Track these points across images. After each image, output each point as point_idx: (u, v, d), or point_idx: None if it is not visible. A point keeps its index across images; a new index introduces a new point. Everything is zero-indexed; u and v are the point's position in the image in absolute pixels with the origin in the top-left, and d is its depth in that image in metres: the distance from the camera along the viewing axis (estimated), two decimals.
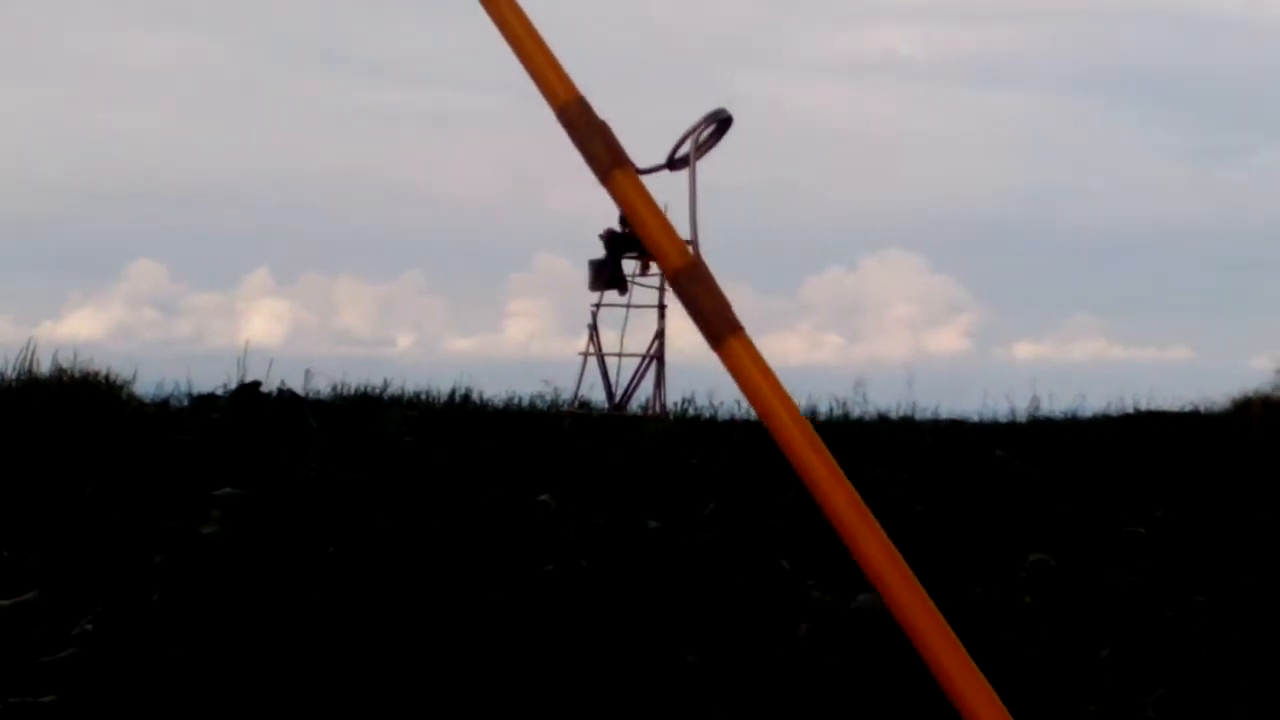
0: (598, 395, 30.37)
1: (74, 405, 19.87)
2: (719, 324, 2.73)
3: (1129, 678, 8.99)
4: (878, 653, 9.37)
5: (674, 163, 2.88)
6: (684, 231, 3.01)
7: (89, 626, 8.09)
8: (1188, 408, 29.41)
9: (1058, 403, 30.11)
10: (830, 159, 67.11)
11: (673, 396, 29.92)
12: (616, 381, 30.11)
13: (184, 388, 23.12)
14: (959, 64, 69.02)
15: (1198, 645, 9.26)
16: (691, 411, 28.76)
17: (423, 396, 27.09)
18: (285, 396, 19.39)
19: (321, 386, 25.39)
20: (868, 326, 57.55)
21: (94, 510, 11.39)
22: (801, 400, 29.44)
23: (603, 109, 2.99)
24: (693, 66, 66.02)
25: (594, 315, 30.36)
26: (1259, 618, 9.84)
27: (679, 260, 2.81)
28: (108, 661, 7.74)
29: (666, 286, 25.97)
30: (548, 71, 2.89)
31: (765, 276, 65.34)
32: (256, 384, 19.93)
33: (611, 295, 30.29)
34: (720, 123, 2.89)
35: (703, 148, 2.86)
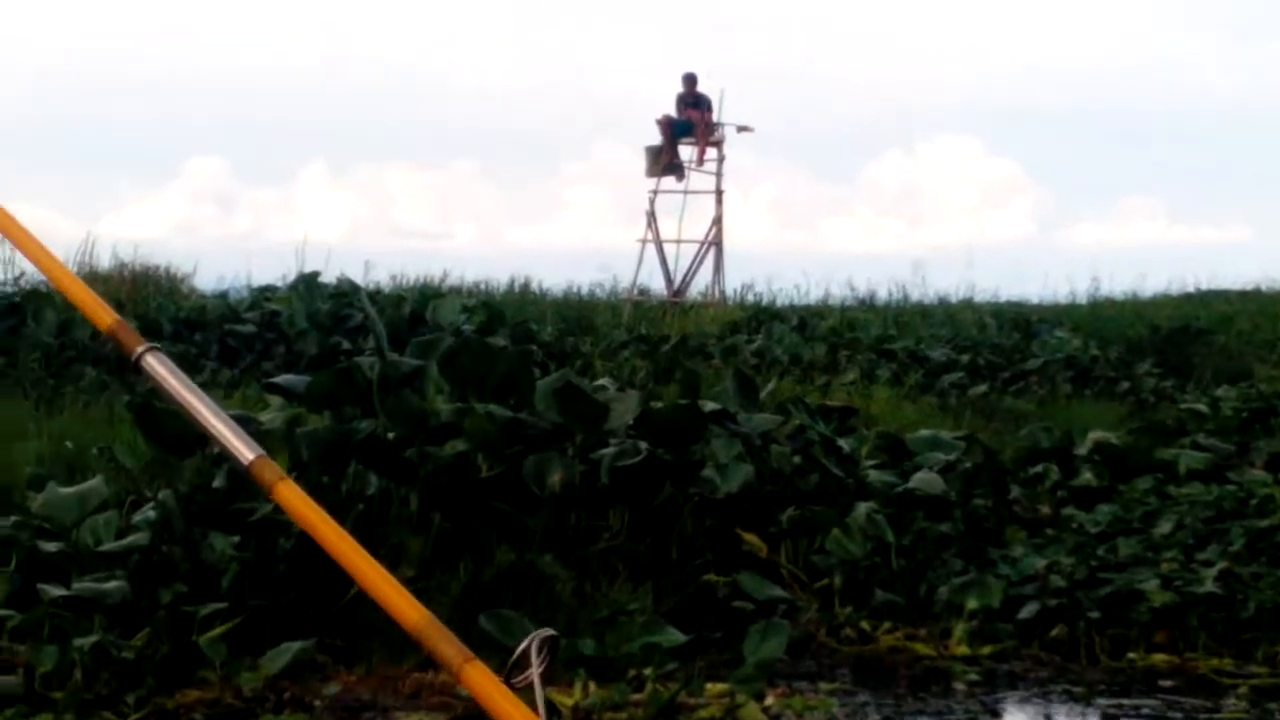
0: (656, 283, 30.28)
1: (135, 297, 19.98)
2: (457, 656, 2.98)
3: (1189, 552, 8.98)
4: (934, 530, 9.39)
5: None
6: None
7: (152, 514, 8.17)
8: (1249, 286, 29.21)
9: (1118, 283, 29.85)
10: (881, 44, 66.36)
11: (731, 283, 29.88)
12: (675, 268, 29.98)
13: (244, 280, 23.23)
14: None
15: (1258, 519, 9.24)
16: (750, 298, 28.70)
17: (482, 286, 27.13)
18: (344, 286, 19.51)
19: (381, 277, 25.49)
20: (927, 211, 57.05)
21: (155, 398, 11.46)
22: (861, 285, 29.35)
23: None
24: None
25: (651, 202, 30.16)
26: None
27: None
28: (171, 548, 7.82)
29: (724, 172, 25.52)
30: (398, 600, 3.13)
31: (824, 162, 64.92)
32: (315, 274, 20.06)
33: (669, 182, 30.22)
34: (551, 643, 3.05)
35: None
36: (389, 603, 3.09)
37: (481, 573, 8.12)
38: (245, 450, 3.25)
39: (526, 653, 2.98)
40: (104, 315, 3.44)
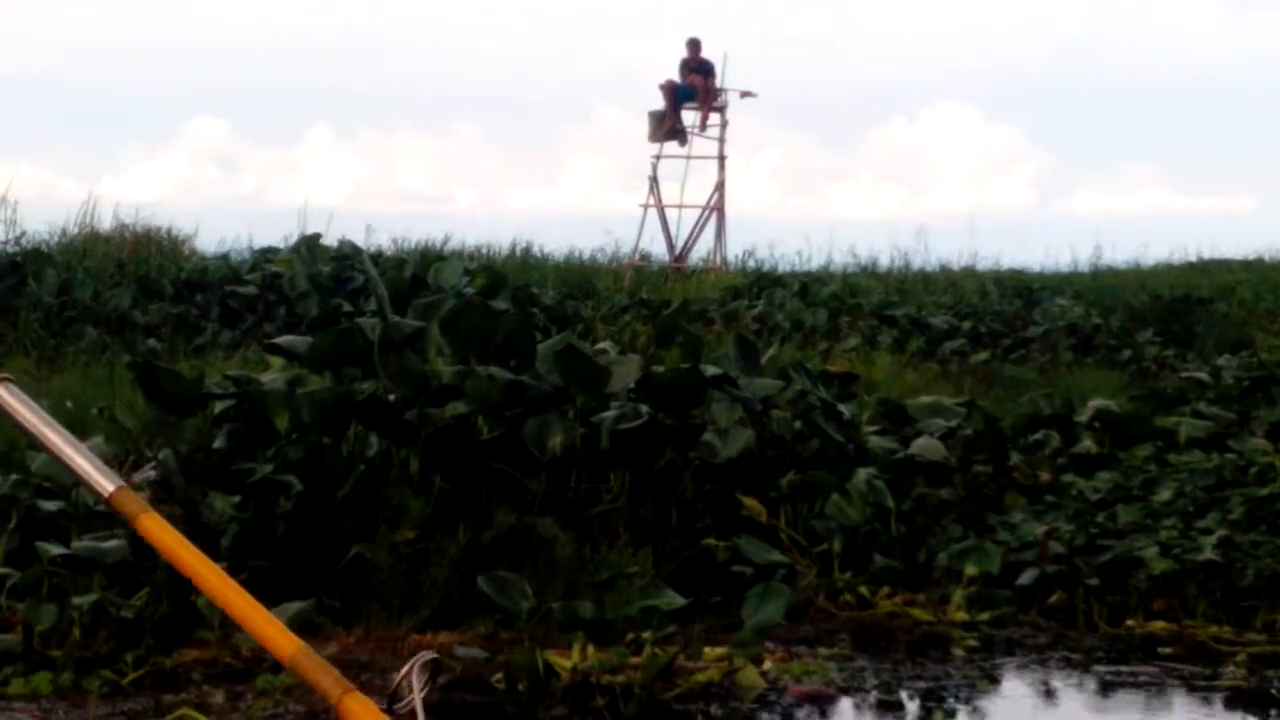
0: (658, 248, 30.20)
1: (136, 258, 19.96)
2: (335, 688, 3.01)
3: (1188, 520, 8.98)
4: (934, 496, 9.39)
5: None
6: None
7: (152, 473, 8.17)
8: (1251, 256, 29.16)
9: (1120, 252, 29.79)
10: (885, 10, 66.05)
11: (733, 249, 29.79)
12: (677, 234, 29.86)
13: (245, 242, 23.18)
14: None
15: (1258, 487, 9.23)
16: (752, 264, 28.61)
17: (484, 250, 27.05)
18: (346, 248, 19.49)
19: (382, 240, 25.42)
20: (929, 178, 56.86)
21: (156, 358, 11.46)
22: (863, 252, 29.28)
23: None
24: None
25: (654, 167, 30.05)
26: None
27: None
28: (171, 508, 7.82)
29: (727, 137, 25.39)
30: (269, 629, 3.14)
31: (827, 129, 64.71)
32: (317, 236, 20.03)
33: (671, 147, 30.13)
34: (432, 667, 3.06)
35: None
36: (261, 633, 3.08)
37: (481, 535, 8.12)
38: (105, 482, 3.22)
39: (408, 679, 2.97)
40: None
